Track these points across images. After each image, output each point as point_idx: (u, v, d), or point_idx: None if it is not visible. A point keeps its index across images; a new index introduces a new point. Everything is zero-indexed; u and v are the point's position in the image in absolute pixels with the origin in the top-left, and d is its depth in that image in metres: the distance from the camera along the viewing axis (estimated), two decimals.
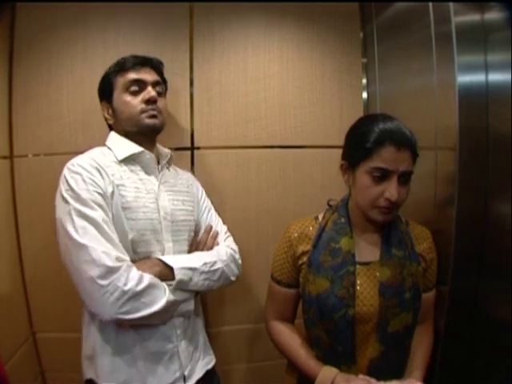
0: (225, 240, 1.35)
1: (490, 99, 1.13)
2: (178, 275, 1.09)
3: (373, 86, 1.71)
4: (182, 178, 1.37)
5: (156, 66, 1.30)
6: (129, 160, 1.21)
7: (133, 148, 1.21)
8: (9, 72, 1.53)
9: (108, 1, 1.56)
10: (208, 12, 1.63)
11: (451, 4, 1.14)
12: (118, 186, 1.12)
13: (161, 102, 1.27)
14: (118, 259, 1.01)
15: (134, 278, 1.01)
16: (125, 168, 1.19)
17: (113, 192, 1.10)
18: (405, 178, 1.03)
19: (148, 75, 1.26)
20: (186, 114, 1.62)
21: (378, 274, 1.08)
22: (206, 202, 1.42)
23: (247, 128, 1.66)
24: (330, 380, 1.02)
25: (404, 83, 1.50)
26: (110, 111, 1.26)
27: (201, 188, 1.45)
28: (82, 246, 1.00)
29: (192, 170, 1.60)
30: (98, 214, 1.04)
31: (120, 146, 1.22)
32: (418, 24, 1.34)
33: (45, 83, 1.53)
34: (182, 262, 1.14)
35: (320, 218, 1.20)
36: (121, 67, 1.24)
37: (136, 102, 1.22)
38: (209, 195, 1.56)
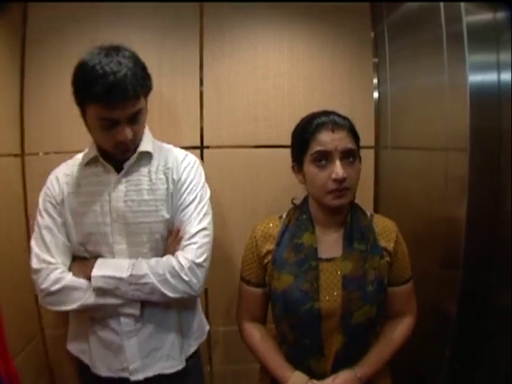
0: (184, 248, 1.17)
1: (502, 99, 1.12)
2: (96, 283, 1.14)
3: (384, 86, 1.70)
4: (158, 172, 1.24)
5: (132, 95, 1.07)
6: (92, 162, 1.23)
7: (93, 152, 1.22)
8: (20, 70, 1.55)
9: (120, 0, 1.57)
10: (218, 11, 1.63)
11: (462, 3, 1.13)
12: (69, 193, 1.22)
13: (136, 128, 1.15)
14: (44, 262, 1.17)
15: (51, 279, 1.15)
16: (87, 172, 1.23)
17: (62, 200, 1.22)
18: (349, 158, 1.07)
19: (122, 113, 1.08)
20: (196, 113, 1.63)
21: (340, 268, 1.10)
22: (183, 199, 1.22)
23: (257, 127, 1.66)
24: None
25: (415, 83, 1.50)
26: (83, 119, 1.16)
27: (183, 181, 1.24)
28: (30, 247, 1.21)
29: None
30: (42, 221, 1.21)
31: (90, 148, 1.25)
32: (429, 24, 1.33)
33: (55, 82, 1.54)
34: (109, 269, 1.16)
35: (284, 216, 1.22)
36: (93, 96, 1.03)
37: (108, 137, 1.12)
38: (218, 195, 1.58)
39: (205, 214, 1.23)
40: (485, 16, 1.16)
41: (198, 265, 1.15)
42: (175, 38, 1.61)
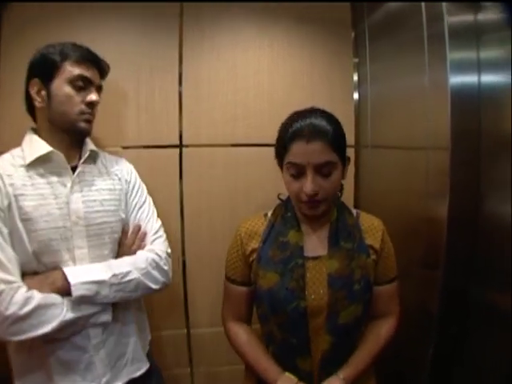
0: (152, 242, 1.24)
1: (482, 100, 1.12)
2: (77, 291, 1.03)
3: (364, 86, 1.70)
4: (109, 172, 1.26)
5: (103, 69, 1.24)
6: (37, 162, 1.11)
7: (41, 149, 1.12)
8: None
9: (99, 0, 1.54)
10: (198, 8, 1.61)
11: (444, 4, 1.14)
12: (16, 196, 1.06)
13: (96, 109, 1.22)
14: (2, 282, 0.99)
15: (18, 301, 0.98)
16: (31, 173, 1.11)
17: (9, 204, 1.05)
18: (325, 170, 1.02)
19: (95, 76, 1.20)
20: (175, 111, 1.61)
21: (326, 266, 1.09)
22: (138, 198, 1.29)
23: (236, 126, 1.64)
24: None
25: (396, 83, 1.49)
26: (45, 96, 1.14)
27: (134, 180, 1.31)
28: None
29: (180, 169, 1.59)
30: None
31: (32, 146, 1.13)
32: (410, 24, 1.33)
33: None
34: (86, 274, 1.07)
35: (269, 214, 1.21)
36: (71, 55, 1.14)
37: (77, 100, 1.15)
38: (196, 194, 1.58)
39: (154, 212, 1.32)
40: (466, 17, 1.16)
41: (169, 255, 1.26)
42: (154, 34, 1.59)
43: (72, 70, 1.14)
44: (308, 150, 1.00)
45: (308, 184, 1.01)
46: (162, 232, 1.29)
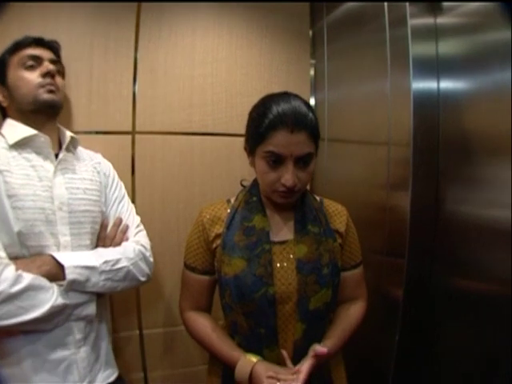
0: (135, 235, 1.24)
1: (441, 98, 1.15)
2: (71, 275, 0.99)
3: (321, 82, 1.71)
4: (88, 164, 1.25)
5: (52, 45, 1.25)
6: (20, 145, 1.09)
7: (25, 131, 1.10)
8: None
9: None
10: None
11: (407, 4, 1.14)
12: (1, 171, 1.02)
13: (59, 80, 1.22)
14: None
15: (8, 278, 0.90)
16: (15, 154, 1.08)
17: None
18: (304, 161, 1.00)
19: (44, 53, 1.20)
20: (128, 97, 1.54)
21: (294, 251, 1.07)
22: (117, 192, 1.30)
23: (192, 113, 1.60)
24: (249, 369, 0.99)
25: (354, 82, 1.52)
26: (5, 93, 1.17)
27: (112, 175, 1.32)
28: None
29: (132, 156, 1.53)
30: None
31: (13, 130, 1.11)
32: (370, 25, 1.34)
33: None
34: (77, 259, 1.02)
35: (232, 200, 1.18)
36: (16, 46, 1.17)
37: (33, 77, 1.15)
38: (149, 184, 1.53)
39: (133, 207, 1.32)
40: (427, 19, 1.18)
41: (151, 249, 1.25)
42: (109, 15, 1.51)
43: (18, 55, 1.16)
44: (292, 141, 0.96)
45: (289, 176, 0.98)
46: (142, 226, 1.29)
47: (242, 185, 1.23)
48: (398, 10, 1.18)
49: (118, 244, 1.19)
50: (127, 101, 1.54)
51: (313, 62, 1.75)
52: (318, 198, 1.20)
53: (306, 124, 0.97)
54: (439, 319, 1.22)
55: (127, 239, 1.22)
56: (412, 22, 1.13)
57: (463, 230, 1.12)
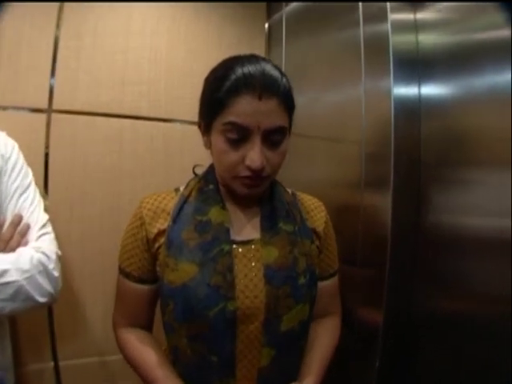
0: (37, 238, 1.02)
1: (422, 104, 1.07)
2: None
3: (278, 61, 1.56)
4: None
5: None
6: None
7: None
8: None
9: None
10: None
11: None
12: None
13: None
14: None
15: None
16: None
17: None
18: (275, 138, 0.80)
19: None
20: (46, 67, 1.32)
21: (262, 254, 0.86)
22: (20, 181, 1.06)
23: (124, 92, 1.40)
24: None
25: (316, 80, 1.39)
26: None
27: (15, 158, 1.09)
28: None
29: (47, 139, 1.30)
30: None
31: None
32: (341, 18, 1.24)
33: None
34: None
35: (182, 189, 0.96)
36: None
37: None
38: (68, 172, 1.32)
39: (41, 201, 1.09)
40: (407, 16, 1.09)
41: (59, 258, 1.02)
42: None
43: None
44: (260, 109, 0.76)
45: (256, 155, 0.77)
46: (49, 227, 1.07)
47: (194, 173, 0.99)
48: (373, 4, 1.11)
49: (14, 249, 0.96)
50: (44, 72, 1.32)
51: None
52: (289, 191, 1.00)
53: (277, 89, 0.78)
54: (421, 343, 1.12)
55: (26, 243, 0.99)
56: (391, 17, 1.05)
57: (446, 239, 1.03)
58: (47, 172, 1.30)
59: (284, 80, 0.80)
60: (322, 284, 0.96)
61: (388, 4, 1.04)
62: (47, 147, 1.30)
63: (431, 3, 1.07)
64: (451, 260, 1.00)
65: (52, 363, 1.32)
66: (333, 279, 1.02)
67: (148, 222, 0.89)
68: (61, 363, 1.33)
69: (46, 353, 1.32)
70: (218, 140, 0.80)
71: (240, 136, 0.77)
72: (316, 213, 0.99)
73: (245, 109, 0.75)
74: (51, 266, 0.97)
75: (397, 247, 1.05)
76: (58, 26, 1.32)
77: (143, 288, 0.92)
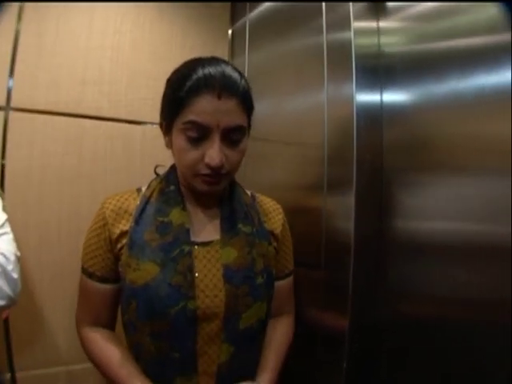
0: None
1: (383, 108, 1.08)
2: None
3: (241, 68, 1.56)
4: None
5: None
6: None
7: None
8: None
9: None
10: None
11: (351, 4, 1.06)
12: None
13: None
14: None
15: None
16: None
17: None
18: (234, 137, 0.84)
19: None
20: (5, 63, 1.29)
21: (221, 255, 0.90)
22: None
23: (84, 92, 1.39)
24: None
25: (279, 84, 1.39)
26: None
27: None
28: None
29: (3, 139, 1.27)
30: None
31: None
32: (305, 24, 1.24)
33: None
34: None
35: (144, 189, 0.98)
36: None
37: None
38: (25, 175, 1.29)
39: None
40: (370, 23, 1.11)
41: (18, 259, 1.00)
42: None
43: None
44: (219, 108, 0.79)
45: (215, 152, 0.80)
46: (8, 228, 1.03)
47: (156, 173, 1.01)
48: (338, 9, 1.11)
49: None
50: (2, 68, 1.29)
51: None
52: (249, 193, 1.03)
53: (236, 89, 0.81)
54: (386, 347, 1.13)
55: None
56: (354, 24, 1.06)
57: (409, 243, 1.05)
58: (3, 172, 1.28)
59: (243, 81, 0.83)
60: (277, 284, 1.00)
61: (351, 11, 1.05)
62: (4, 146, 1.27)
63: (393, 12, 1.08)
64: (414, 264, 1.02)
65: (9, 374, 1.28)
66: (288, 279, 1.05)
67: (111, 223, 0.91)
68: (18, 374, 1.29)
69: (1, 363, 1.28)
70: (178, 139, 0.83)
71: (200, 134, 0.80)
72: (274, 215, 1.02)
73: (205, 108, 0.78)
74: (10, 267, 0.95)
75: (360, 251, 1.07)
76: (18, 20, 1.29)
77: (106, 287, 0.93)
